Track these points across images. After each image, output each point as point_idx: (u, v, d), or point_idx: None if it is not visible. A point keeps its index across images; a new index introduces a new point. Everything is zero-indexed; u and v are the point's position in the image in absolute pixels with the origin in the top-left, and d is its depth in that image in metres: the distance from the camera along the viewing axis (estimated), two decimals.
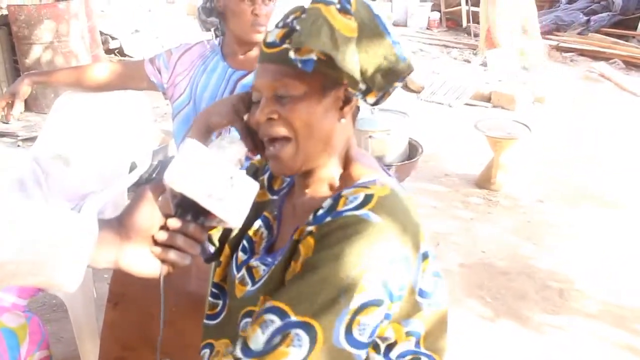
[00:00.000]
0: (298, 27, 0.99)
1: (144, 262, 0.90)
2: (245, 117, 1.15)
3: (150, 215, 0.90)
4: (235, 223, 0.92)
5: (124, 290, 1.66)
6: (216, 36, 2.14)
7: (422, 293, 1.03)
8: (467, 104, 6.18)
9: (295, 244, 1.03)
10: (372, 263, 0.92)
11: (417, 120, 4.78)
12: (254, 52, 2.00)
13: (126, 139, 2.52)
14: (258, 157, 1.36)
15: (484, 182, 4.19)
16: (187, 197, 0.88)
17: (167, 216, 0.92)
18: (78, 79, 2.15)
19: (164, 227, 0.91)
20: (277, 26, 1.06)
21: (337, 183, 1.10)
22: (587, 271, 3.15)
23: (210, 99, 1.99)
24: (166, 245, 0.91)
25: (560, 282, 3.04)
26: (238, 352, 0.92)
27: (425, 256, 1.03)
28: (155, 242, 0.91)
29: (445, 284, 1.08)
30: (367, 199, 0.97)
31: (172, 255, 0.91)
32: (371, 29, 1.00)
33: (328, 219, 0.97)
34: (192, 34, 2.05)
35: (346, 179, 1.09)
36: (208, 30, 2.10)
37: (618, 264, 3.24)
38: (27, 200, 0.81)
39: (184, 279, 1.65)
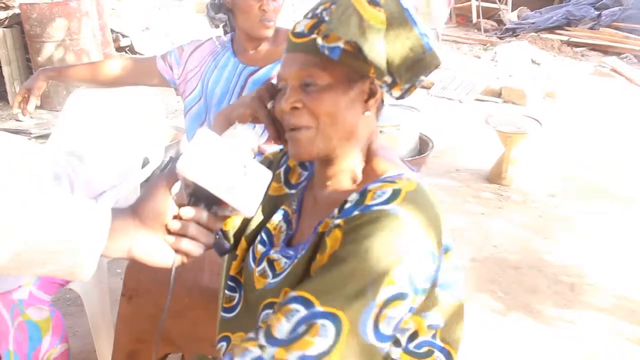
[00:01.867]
0: (327, 17, 1.00)
1: (157, 251, 0.90)
2: (270, 105, 1.15)
3: (163, 204, 0.90)
4: (249, 212, 0.91)
5: (138, 284, 1.67)
6: (226, 32, 2.15)
7: (442, 286, 1.03)
8: (477, 100, 6.16)
9: (321, 236, 1.03)
10: (400, 257, 0.93)
11: (427, 115, 4.77)
12: (264, 48, 2.01)
13: (138, 135, 2.53)
14: (271, 150, 1.37)
15: (495, 177, 4.18)
16: (200, 186, 0.87)
17: (180, 205, 0.91)
18: (91, 75, 2.18)
19: (177, 217, 0.91)
20: (305, 17, 1.07)
21: (359, 176, 1.11)
22: (599, 265, 3.13)
23: (222, 95, 2.00)
24: (180, 235, 0.91)
25: (572, 277, 3.03)
26: (262, 340, 0.92)
27: (447, 249, 1.04)
28: (169, 232, 0.91)
29: (463, 276, 1.09)
30: (395, 193, 0.97)
31: (186, 244, 0.91)
32: (399, 22, 1.00)
33: (356, 212, 0.97)
34: (202, 31, 2.06)
35: (369, 172, 1.09)
36: (217, 26, 2.11)
37: (630, 258, 3.22)
38: (40, 189, 0.82)
39: (197, 272, 1.67)
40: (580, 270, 3.09)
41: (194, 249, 0.92)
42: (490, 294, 2.88)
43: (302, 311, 0.91)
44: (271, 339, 0.91)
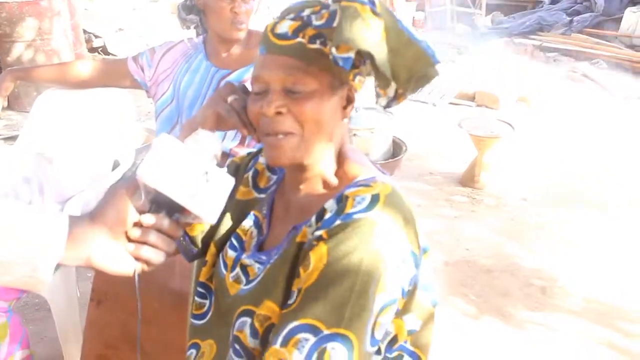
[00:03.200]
0: (316, 22, 0.99)
1: (116, 259, 0.88)
2: (230, 99, 1.13)
3: (123, 211, 0.88)
4: (210, 219, 0.90)
5: (106, 288, 1.65)
6: (198, 34, 2.13)
7: (423, 287, 1.04)
8: (451, 103, 6.20)
9: (299, 246, 1.02)
10: (389, 263, 0.93)
11: (401, 118, 4.78)
12: (237, 51, 2.00)
13: (109, 137, 2.49)
14: (242, 150, 1.35)
15: (468, 180, 4.21)
16: (161, 192, 0.86)
17: (141, 212, 0.90)
18: (61, 76, 2.14)
19: (137, 224, 0.89)
20: (286, 17, 1.03)
21: (331, 180, 1.09)
22: (570, 269, 3.17)
23: (194, 97, 1.98)
24: (140, 242, 0.89)
25: (543, 280, 3.07)
26: None
27: (424, 250, 1.04)
28: (129, 239, 0.89)
29: (435, 277, 1.09)
30: (374, 199, 0.97)
31: (146, 252, 0.89)
32: (395, 32, 0.99)
33: (338, 222, 0.96)
34: (177, 32, 2.04)
35: (342, 176, 1.09)
36: (188, 28, 2.09)
37: (600, 262, 3.27)
38: None
39: (168, 276, 1.64)
40: (552, 274, 3.12)
41: (155, 256, 0.90)
42: (462, 297, 2.90)
43: (311, 339, 0.90)
44: None
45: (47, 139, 2.39)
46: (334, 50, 0.96)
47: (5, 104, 2.10)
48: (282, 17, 1.04)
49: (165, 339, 1.59)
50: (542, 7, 9.91)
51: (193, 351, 1.20)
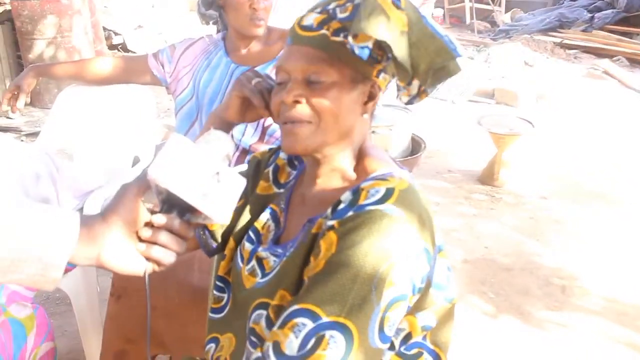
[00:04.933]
0: (341, 15, 1.00)
1: (127, 259, 0.88)
2: (254, 82, 1.15)
3: (134, 212, 0.88)
4: (221, 219, 0.89)
5: (126, 283, 1.66)
6: (218, 30, 2.14)
7: (436, 286, 1.03)
8: (470, 101, 6.17)
9: (314, 237, 1.02)
10: (399, 257, 0.92)
11: (420, 116, 4.77)
12: (256, 47, 2.00)
13: (129, 133, 2.51)
14: (262, 147, 1.36)
15: (487, 178, 4.18)
16: (172, 192, 0.85)
17: (153, 212, 0.90)
18: (81, 72, 2.16)
19: (149, 224, 0.89)
20: (313, 10, 1.05)
21: (350, 175, 1.10)
22: (590, 268, 3.14)
23: (214, 94, 1.99)
24: (150, 242, 0.89)
25: (563, 279, 3.04)
26: (272, 357, 0.90)
27: (440, 249, 1.04)
28: (140, 239, 0.89)
29: (453, 276, 1.08)
30: (389, 192, 0.96)
31: (157, 252, 0.89)
32: (419, 27, 1.00)
33: (350, 213, 0.96)
34: (195, 29, 2.05)
35: (360, 171, 1.09)
36: (207, 23, 2.10)
37: (621, 261, 3.23)
38: (5, 196, 0.79)
39: (187, 272, 1.65)
40: (572, 273, 3.09)
41: (165, 256, 0.90)
42: (481, 296, 2.88)
43: (309, 324, 0.89)
44: (282, 356, 0.90)
45: (68, 135, 2.41)
46: (350, 39, 0.97)
47: (28, 100, 2.12)
48: (309, 11, 1.06)
49: (185, 334, 1.60)
50: (563, 3, 9.81)
51: (212, 345, 1.21)
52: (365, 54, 0.98)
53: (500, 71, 6.98)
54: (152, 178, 0.86)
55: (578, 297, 2.89)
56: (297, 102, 1.03)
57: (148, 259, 0.89)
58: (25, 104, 2.10)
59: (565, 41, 8.42)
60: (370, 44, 0.97)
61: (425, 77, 1.02)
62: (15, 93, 2.09)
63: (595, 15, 8.90)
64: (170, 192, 0.86)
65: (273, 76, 1.92)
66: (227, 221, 0.90)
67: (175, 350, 1.68)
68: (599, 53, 8.03)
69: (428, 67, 1.00)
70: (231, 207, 0.90)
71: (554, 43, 8.33)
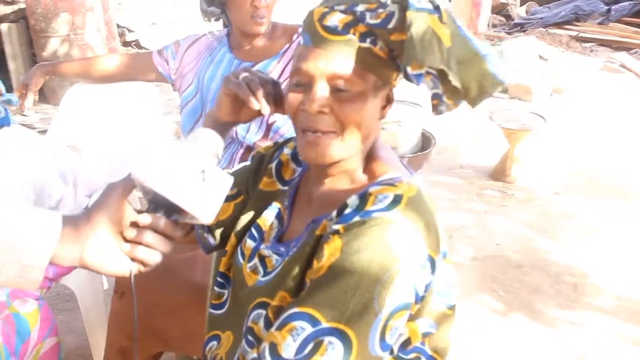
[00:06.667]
0: (372, 21, 0.97)
1: (112, 260, 0.87)
2: (241, 77, 1.10)
3: (119, 211, 0.86)
4: (206, 219, 0.87)
5: (129, 281, 1.66)
6: (225, 26, 2.13)
7: (439, 292, 1.02)
8: None
9: (318, 239, 1.00)
10: (403, 266, 0.91)
11: (430, 111, 4.72)
12: (260, 43, 1.99)
13: (137, 129, 2.52)
14: (266, 144, 1.35)
15: (499, 174, 4.14)
16: (157, 192, 0.84)
17: (139, 212, 0.88)
18: (87, 70, 2.18)
19: (134, 224, 0.88)
20: (336, 9, 0.99)
21: (358, 177, 1.08)
22: (603, 265, 3.09)
23: (217, 90, 1.97)
24: (136, 242, 0.88)
25: (574, 276, 3.00)
26: (267, 358, 0.90)
27: (444, 255, 1.03)
28: (126, 240, 0.88)
29: (457, 280, 1.07)
30: (397, 199, 0.95)
31: (142, 252, 0.88)
32: (460, 40, 0.97)
33: (356, 218, 0.94)
34: (208, 26, 2.06)
35: (368, 174, 1.07)
36: (209, 20, 2.10)
37: (635, 258, 3.18)
38: None
39: (190, 270, 1.65)
40: (584, 270, 3.05)
41: (151, 257, 0.89)
42: (491, 293, 2.85)
43: (308, 329, 0.89)
44: (278, 359, 0.89)
45: (76, 132, 2.43)
46: (408, 69, 0.95)
47: (37, 98, 2.14)
48: (331, 8, 0.99)
49: (187, 332, 1.60)
50: None
51: (214, 343, 1.21)
52: (419, 79, 0.96)
53: (514, 65, 6.90)
54: (136, 177, 0.85)
55: (590, 296, 2.85)
56: (322, 112, 0.99)
57: (133, 259, 0.88)
58: (37, 102, 2.12)
59: (581, 34, 8.31)
60: (424, 70, 0.95)
61: (477, 100, 1.01)
62: (24, 92, 2.12)
63: (612, 7, 8.77)
64: (154, 191, 0.85)
65: (275, 71, 1.92)
66: (210, 221, 0.88)
67: (178, 348, 1.68)
68: (615, 46, 7.92)
69: (479, 92, 0.99)
70: (217, 206, 0.88)
71: (570, 36, 8.23)
